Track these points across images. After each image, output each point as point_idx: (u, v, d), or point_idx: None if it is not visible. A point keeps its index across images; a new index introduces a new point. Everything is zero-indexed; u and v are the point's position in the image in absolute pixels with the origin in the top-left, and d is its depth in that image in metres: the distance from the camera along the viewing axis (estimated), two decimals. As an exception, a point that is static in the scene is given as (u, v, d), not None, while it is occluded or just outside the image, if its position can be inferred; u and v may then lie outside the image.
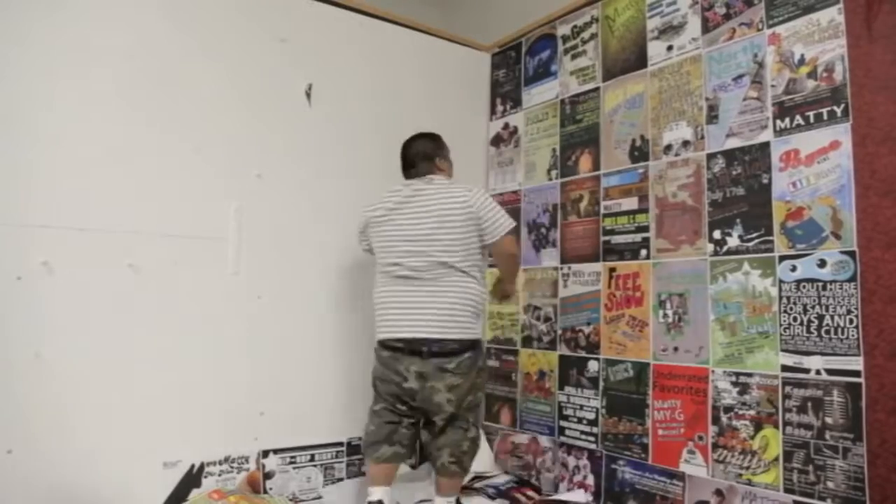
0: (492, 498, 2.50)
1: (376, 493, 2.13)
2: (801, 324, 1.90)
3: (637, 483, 2.28)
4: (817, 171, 1.90)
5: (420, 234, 2.11)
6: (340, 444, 2.56)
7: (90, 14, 2.11)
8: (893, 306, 1.73)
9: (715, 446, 2.07)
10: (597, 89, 2.61)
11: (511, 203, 2.98)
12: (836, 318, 1.83)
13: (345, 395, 2.58)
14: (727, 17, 2.16)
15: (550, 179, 2.78)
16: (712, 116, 2.18)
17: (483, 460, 2.78)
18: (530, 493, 2.55)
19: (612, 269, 2.46)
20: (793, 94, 1.97)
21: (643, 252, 2.36)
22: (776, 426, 1.92)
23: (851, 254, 1.81)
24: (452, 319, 2.07)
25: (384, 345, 2.15)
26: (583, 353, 2.54)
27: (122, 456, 2.07)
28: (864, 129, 1.81)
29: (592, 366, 2.50)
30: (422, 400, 2.10)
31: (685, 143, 2.26)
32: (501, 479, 2.68)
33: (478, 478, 2.64)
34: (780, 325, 1.94)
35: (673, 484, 2.17)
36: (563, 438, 2.59)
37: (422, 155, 2.25)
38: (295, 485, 2.42)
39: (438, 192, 2.15)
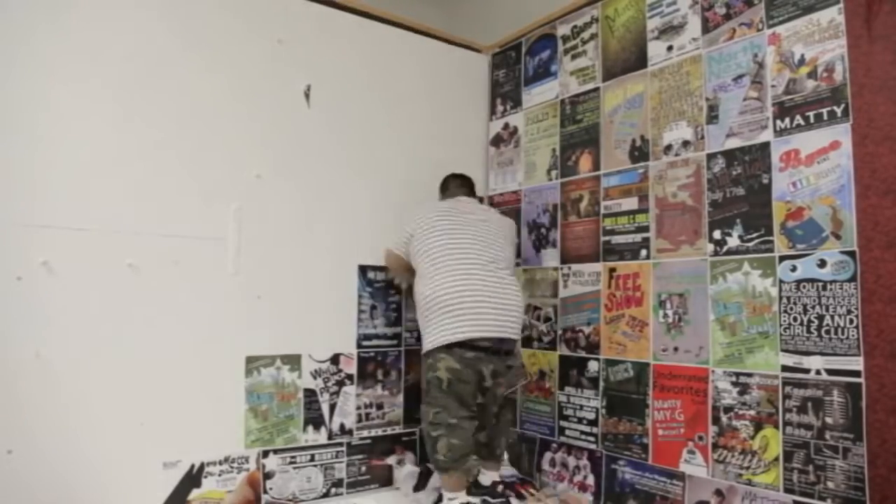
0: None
1: (463, 496, 2.24)
2: (801, 324, 1.90)
3: (637, 483, 2.28)
4: (817, 171, 1.90)
5: (491, 235, 2.42)
6: (340, 444, 2.56)
7: (90, 16, 2.11)
8: (893, 306, 1.72)
9: (715, 446, 2.07)
10: (597, 89, 2.61)
11: (511, 203, 2.98)
12: (836, 318, 1.83)
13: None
14: (727, 17, 2.16)
15: (550, 179, 2.79)
16: (712, 116, 2.18)
17: None
18: (531, 489, 2.56)
19: (612, 270, 2.46)
20: (793, 94, 1.97)
21: (643, 252, 2.36)
22: (776, 426, 1.92)
23: (851, 254, 1.81)
24: (519, 319, 2.36)
25: (469, 345, 2.21)
26: (583, 354, 2.54)
27: (122, 456, 2.07)
28: (864, 129, 1.81)
29: (592, 366, 2.50)
30: (489, 396, 2.33)
31: (685, 143, 2.26)
32: (506, 473, 2.67)
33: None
34: (780, 325, 1.94)
35: (673, 484, 2.17)
36: (563, 438, 2.59)
37: (472, 184, 2.76)
38: (295, 485, 2.42)
39: (489, 210, 2.68)
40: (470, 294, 2.24)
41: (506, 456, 2.66)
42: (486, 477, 2.38)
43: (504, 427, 2.46)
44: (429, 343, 2.28)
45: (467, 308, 2.22)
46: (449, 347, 2.21)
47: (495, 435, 2.43)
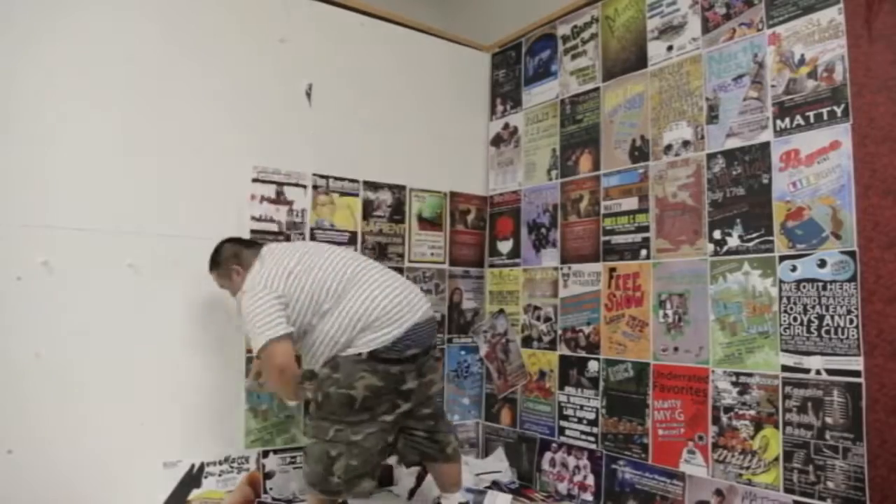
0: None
1: None
2: (802, 324, 1.90)
3: (637, 483, 2.28)
4: (817, 171, 1.90)
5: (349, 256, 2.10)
6: (340, 444, 2.56)
7: (91, 18, 2.12)
8: (893, 306, 1.72)
9: (715, 446, 2.07)
10: (597, 89, 2.61)
11: (511, 203, 2.98)
12: (836, 318, 1.83)
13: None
14: (727, 17, 2.16)
15: (550, 179, 2.78)
16: (712, 116, 2.18)
17: (500, 458, 2.79)
18: (536, 494, 2.56)
19: (613, 269, 2.46)
20: (793, 94, 1.97)
21: (643, 252, 2.36)
22: (776, 426, 1.92)
23: (851, 254, 1.81)
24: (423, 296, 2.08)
25: (386, 357, 1.90)
26: (583, 353, 2.54)
27: (122, 456, 2.07)
28: (864, 129, 1.81)
29: (592, 366, 2.50)
30: (417, 398, 2.02)
31: (685, 143, 2.26)
32: (507, 478, 2.68)
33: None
34: (780, 325, 1.94)
35: (673, 484, 2.17)
36: (563, 438, 2.59)
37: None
38: (295, 485, 2.41)
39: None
40: (382, 301, 1.93)
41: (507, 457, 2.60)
42: (449, 501, 2.18)
43: (446, 419, 2.22)
44: (347, 350, 1.92)
45: (385, 312, 1.93)
46: (372, 362, 1.88)
47: (440, 429, 2.14)
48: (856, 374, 1.77)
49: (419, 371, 2.01)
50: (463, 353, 2.98)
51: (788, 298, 1.93)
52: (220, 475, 2.26)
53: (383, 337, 1.91)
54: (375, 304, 1.94)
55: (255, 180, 2.43)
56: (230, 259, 2.09)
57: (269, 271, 1.95)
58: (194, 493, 2.19)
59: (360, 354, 1.90)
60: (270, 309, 1.88)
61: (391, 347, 1.91)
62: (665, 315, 2.26)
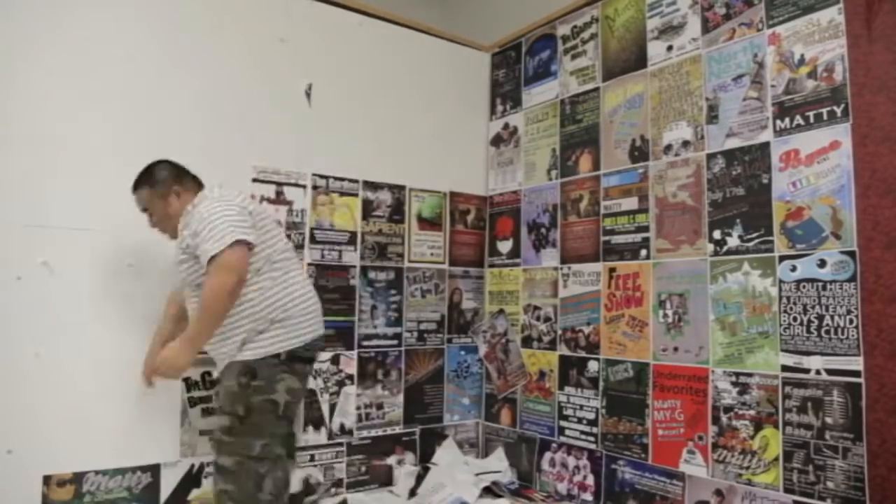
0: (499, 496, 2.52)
1: None
2: (801, 324, 1.90)
3: (637, 483, 2.28)
4: (817, 171, 1.90)
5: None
6: (340, 444, 2.56)
7: (90, 16, 2.12)
8: (893, 306, 1.72)
9: (715, 446, 2.07)
10: (597, 89, 2.61)
11: (511, 203, 2.98)
12: (836, 318, 1.83)
13: (345, 395, 2.58)
14: (727, 17, 2.16)
15: (550, 179, 2.78)
16: (712, 116, 2.18)
17: (500, 458, 2.79)
18: (536, 494, 2.57)
19: (612, 269, 2.46)
20: (793, 94, 1.97)
21: (643, 252, 2.36)
22: (776, 426, 1.92)
23: (851, 254, 1.81)
24: None
25: (302, 356, 1.84)
26: (583, 353, 2.54)
27: (123, 456, 2.07)
28: (864, 129, 1.81)
29: (592, 366, 2.50)
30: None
31: (685, 143, 2.26)
32: (507, 479, 2.68)
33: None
34: (780, 325, 1.94)
35: (673, 484, 2.17)
36: (562, 438, 2.59)
37: None
38: (295, 485, 2.41)
39: None
40: (310, 294, 1.93)
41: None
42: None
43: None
44: (260, 349, 1.78)
45: (309, 309, 1.89)
46: (290, 363, 1.80)
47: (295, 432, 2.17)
48: (856, 374, 1.77)
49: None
50: (463, 353, 2.98)
51: (788, 298, 1.93)
52: (220, 475, 2.26)
53: (305, 335, 1.84)
54: (300, 294, 1.86)
55: (254, 180, 2.43)
56: (170, 179, 1.83)
57: (240, 203, 1.79)
58: (194, 493, 2.19)
59: (278, 356, 1.79)
60: (241, 220, 1.71)
61: (307, 347, 1.85)
62: (665, 315, 2.26)
